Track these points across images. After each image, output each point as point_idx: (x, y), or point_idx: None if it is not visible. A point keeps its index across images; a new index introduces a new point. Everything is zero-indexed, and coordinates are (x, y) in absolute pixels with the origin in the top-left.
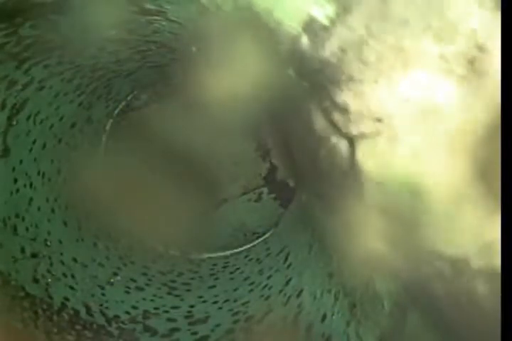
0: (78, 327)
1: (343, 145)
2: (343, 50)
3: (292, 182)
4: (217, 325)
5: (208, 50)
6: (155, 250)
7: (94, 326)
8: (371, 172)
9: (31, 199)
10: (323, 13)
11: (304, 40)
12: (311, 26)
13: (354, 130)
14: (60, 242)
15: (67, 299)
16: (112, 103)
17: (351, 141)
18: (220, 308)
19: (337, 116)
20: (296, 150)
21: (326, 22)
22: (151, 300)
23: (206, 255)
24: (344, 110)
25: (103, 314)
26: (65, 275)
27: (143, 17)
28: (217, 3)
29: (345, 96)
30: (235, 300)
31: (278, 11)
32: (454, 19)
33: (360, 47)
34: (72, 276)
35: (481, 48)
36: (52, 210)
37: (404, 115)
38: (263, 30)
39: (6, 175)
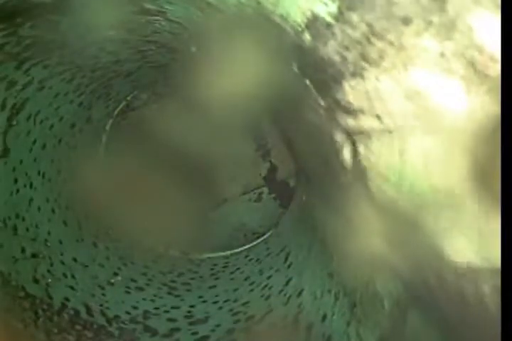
0: (78, 327)
1: (344, 143)
2: (345, 48)
3: (292, 182)
4: (218, 325)
5: (207, 50)
6: (155, 250)
7: (95, 326)
8: (372, 172)
9: (31, 199)
10: (326, 10)
11: (307, 37)
12: (313, 23)
13: (356, 128)
14: (60, 242)
15: (67, 299)
16: (111, 103)
17: (353, 139)
18: (221, 308)
19: (339, 114)
20: (297, 149)
21: (328, 19)
22: (152, 300)
23: (206, 255)
24: (346, 108)
25: (103, 314)
26: (65, 275)
27: (143, 17)
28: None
29: (348, 94)
30: (235, 300)
31: (281, 8)
32: (455, 16)
33: (363, 45)
34: (73, 276)
35: (481, 47)
36: (52, 210)
37: (406, 113)
38: (264, 27)
39: (6, 175)
